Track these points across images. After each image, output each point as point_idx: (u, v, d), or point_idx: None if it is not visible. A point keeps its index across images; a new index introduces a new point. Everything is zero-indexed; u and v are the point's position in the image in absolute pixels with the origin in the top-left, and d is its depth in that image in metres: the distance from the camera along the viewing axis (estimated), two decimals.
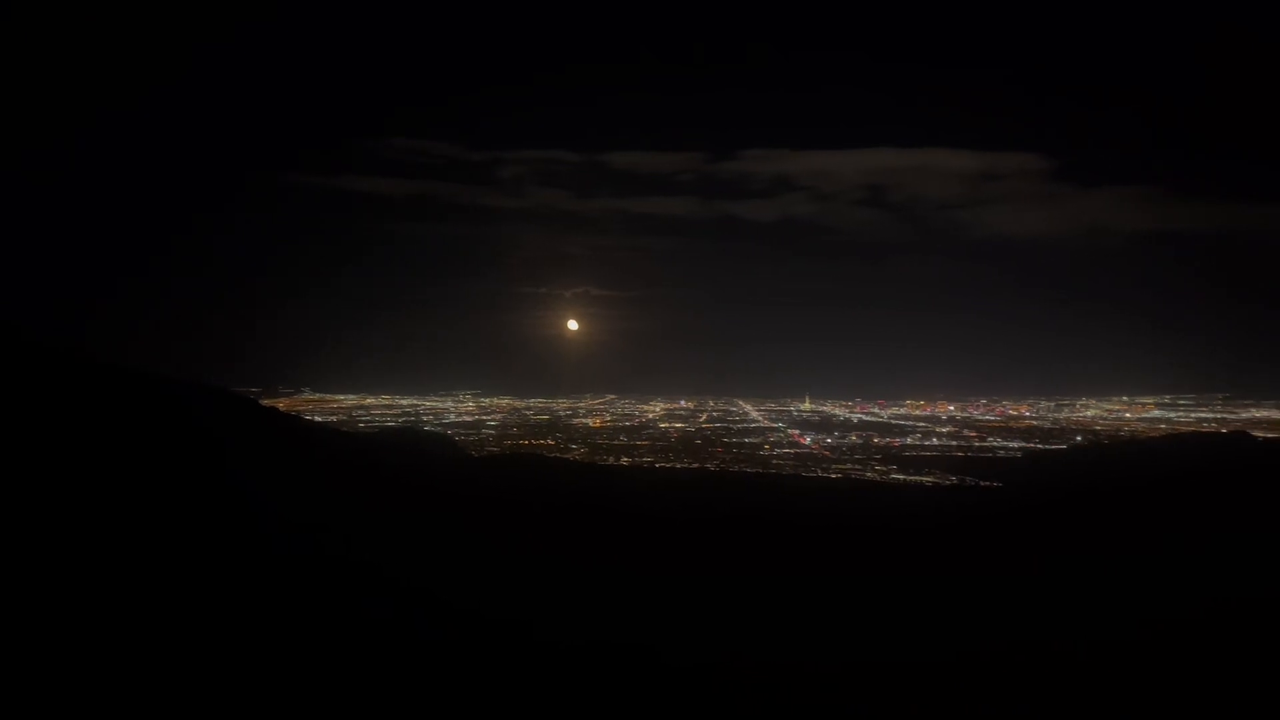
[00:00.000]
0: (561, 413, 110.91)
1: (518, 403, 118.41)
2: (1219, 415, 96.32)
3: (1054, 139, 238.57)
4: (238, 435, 34.62)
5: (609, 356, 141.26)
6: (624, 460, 74.27)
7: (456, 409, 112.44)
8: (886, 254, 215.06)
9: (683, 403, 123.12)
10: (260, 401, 54.45)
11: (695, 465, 71.87)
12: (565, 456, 74.45)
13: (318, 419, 76.24)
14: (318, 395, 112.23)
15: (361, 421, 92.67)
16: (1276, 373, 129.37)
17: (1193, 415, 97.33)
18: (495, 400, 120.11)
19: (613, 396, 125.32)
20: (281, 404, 77.98)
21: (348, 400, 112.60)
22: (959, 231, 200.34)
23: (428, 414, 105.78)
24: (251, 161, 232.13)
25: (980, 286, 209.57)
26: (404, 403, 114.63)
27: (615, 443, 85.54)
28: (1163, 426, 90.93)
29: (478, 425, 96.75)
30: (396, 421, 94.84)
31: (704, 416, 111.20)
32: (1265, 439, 70.43)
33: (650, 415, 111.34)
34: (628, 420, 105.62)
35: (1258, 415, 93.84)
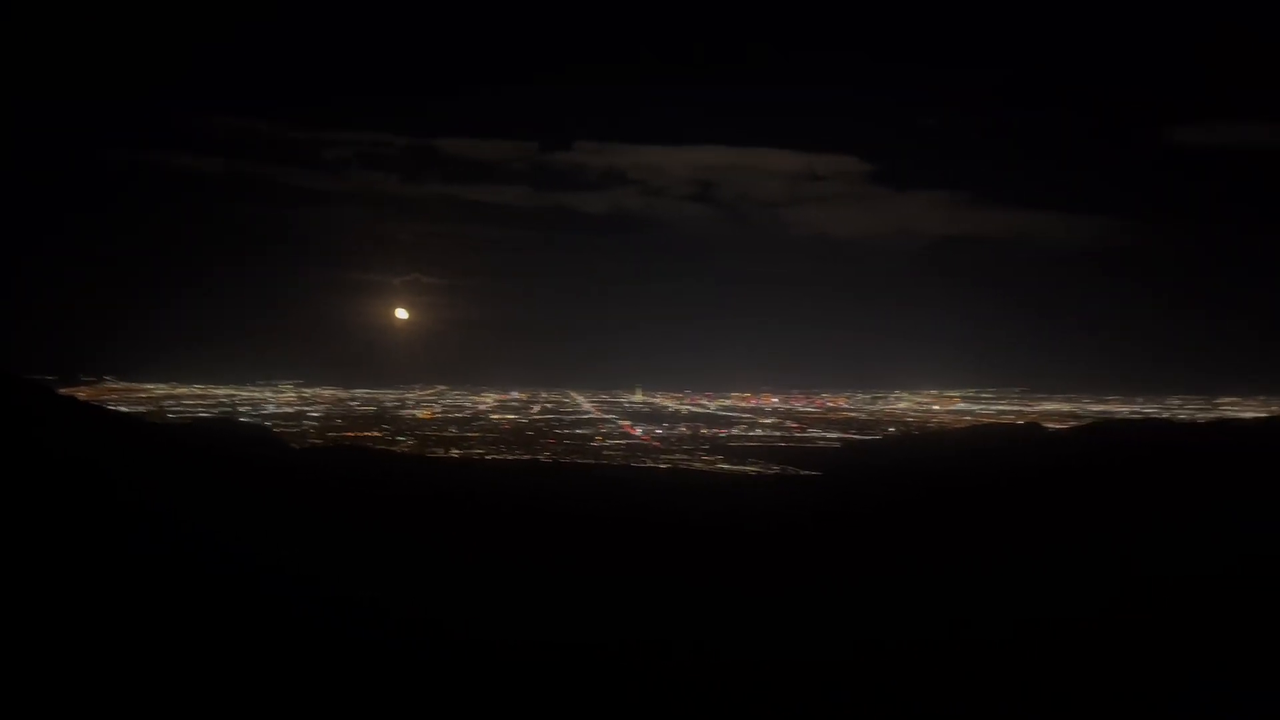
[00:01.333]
0: (389, 404, 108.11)
1: (342, 393, 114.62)
2: (1016, 407, 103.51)
3: (871, 142, 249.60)
4: (29, 426, 32.01)
5: (439, 346, 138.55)
6: (454, 452, 73.16)
7: (276, 399, 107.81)
8: (713, 249, 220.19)
9: (515, 394, 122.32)
10: (57, 391, 50.54)
11: (527, 457, 71.58)
12: (393, 449, 72.68)
13: (123, 409, 71.46)
14: (123, 384, 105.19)
15: (171, 412, 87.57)
16: (1065, 370, 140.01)
17: (993, 408, 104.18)
18: (318, 391, 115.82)
19: (443, 387, 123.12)
20: (82, 393, 72.71)
21: (157, 389, 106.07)
22: (783, 229, 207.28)
23: (244, 404, 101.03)
24: (59, 134, 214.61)
25: (802, 283, 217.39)
26: (219, 392, 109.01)
27: (445, 435, 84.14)
28: (967, 418, 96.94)
29: (299, 416, 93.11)
30: (210, 412, 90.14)
31: (536, 408, 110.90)
32: (1054, 429, 76.27)
33: (482, 407, 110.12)
34: (458, 412, 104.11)
35: (1049, 408, 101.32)
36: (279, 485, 38.51)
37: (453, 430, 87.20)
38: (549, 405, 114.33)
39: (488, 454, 72.76)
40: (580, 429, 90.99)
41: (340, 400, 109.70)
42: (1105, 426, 78.33)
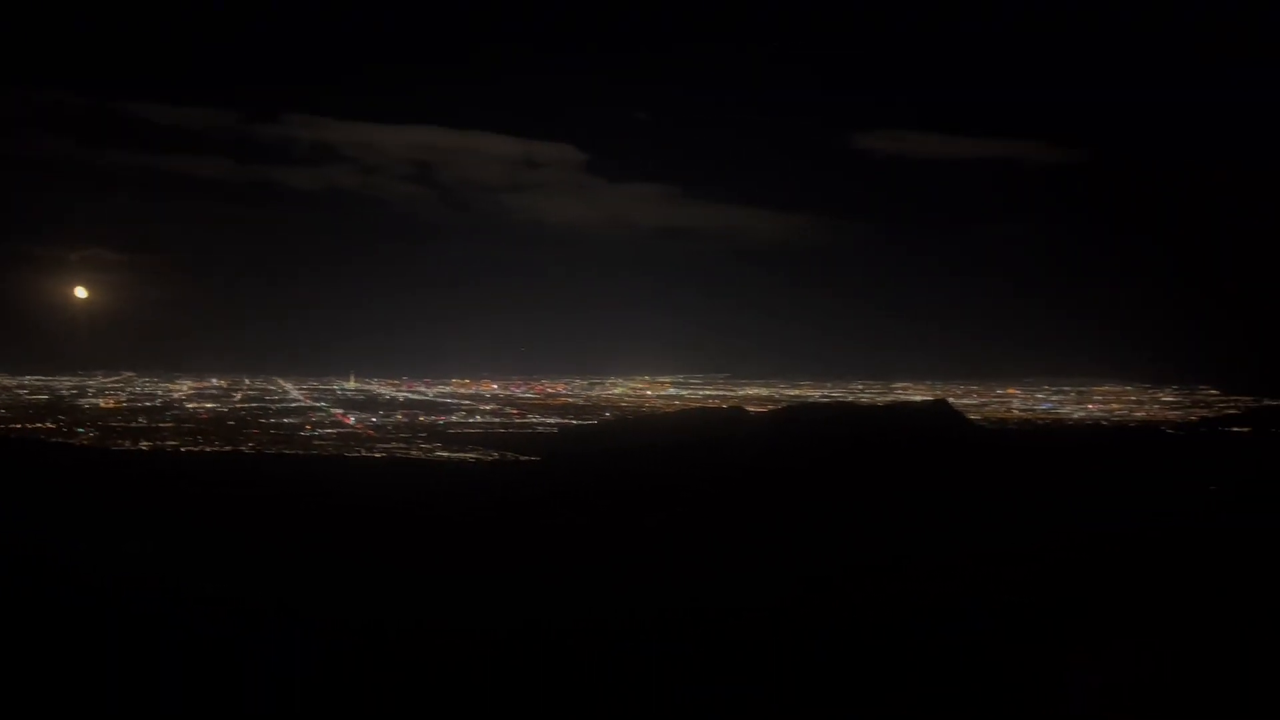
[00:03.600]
0: (65, 392, 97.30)
1: (8, 380, 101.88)
2: (721, 392, 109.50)
3: (587, 132, 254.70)
4: None
5: (126, 329, 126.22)
6: (143, 444, 67.19)
7: None
8: (433, 232, 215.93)
9: (215, 381, 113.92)
10: None
11: (228, 448, 67.03)
12: (71, 441, 65.67)
13: None
14: None
15: None
16: (764, 357, 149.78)
17: (701, 393, 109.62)
18: None
19: (130, 374, 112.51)
20: None
21: None
22: (502, 215, 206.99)
23: None
24: None
25: (521, 270, 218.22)
26: None
27: (133, 425, 76.99)
28: (676, 402, 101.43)
29: None
30: None
31: (239, 396, 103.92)
32: (755, 411, 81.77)
33: (176, 395, 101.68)
34: (148, 400, 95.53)
35: (751, 392, 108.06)
36: None
37: (142, 420, 79.96)
38: (253, 393, 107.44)
39: (182, 445, 67.42)
40: (288, 418, 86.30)
41: (6, 388, 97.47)
42: (799, 408, 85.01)
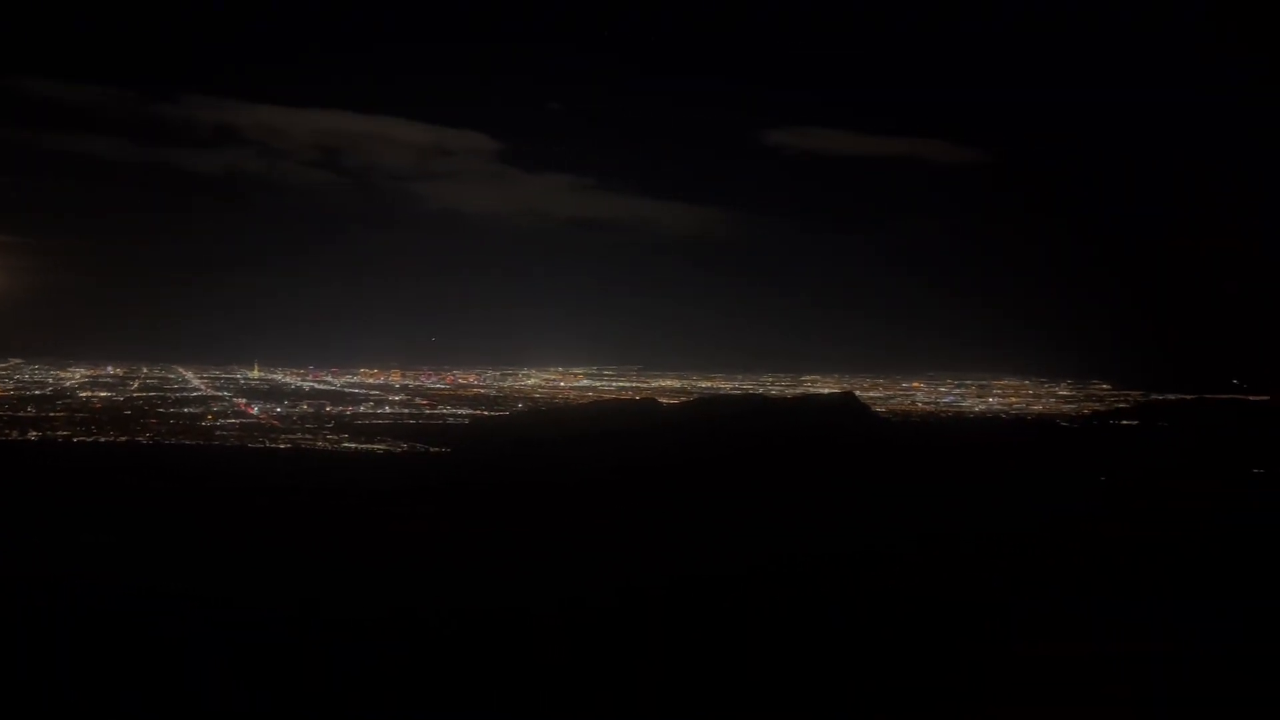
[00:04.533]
0: None
1: None
2: (634, 384, 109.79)
3: (500, 121, 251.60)
4: None
5: (13, 315, 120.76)
6: (32, 434, 64.38)
7: None
8: (340, 219, 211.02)
9: (110, 370, 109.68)
10: None
11: (124, 438, 64.65)
12: None
13: None
14: None
15: None
16: (677, 349, 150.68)
17: (614, 384, 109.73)
18: None
19: (18, 361, 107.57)
20: None
21: None
22: (412, 203, 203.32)
23: None
24: None
25: (432, 259, 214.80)
26: None
27: (20, 414, 73.66)
28: (589, 394, 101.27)
29: None
30: None
31: (136, 384, 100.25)
32: (668, 403, 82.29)
33: (68, 383, 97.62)
34: (37, 389, 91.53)
35: (663, 384, 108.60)
36: None
37: (31, 409, 76.56)
38: (151, 382, 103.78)
39: (74, 436, 64.78)
40: (189, 408, 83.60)
41: None
42: (711, 400, 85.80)
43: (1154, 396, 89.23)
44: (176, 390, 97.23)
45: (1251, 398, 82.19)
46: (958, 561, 26.66)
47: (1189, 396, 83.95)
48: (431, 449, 65.11)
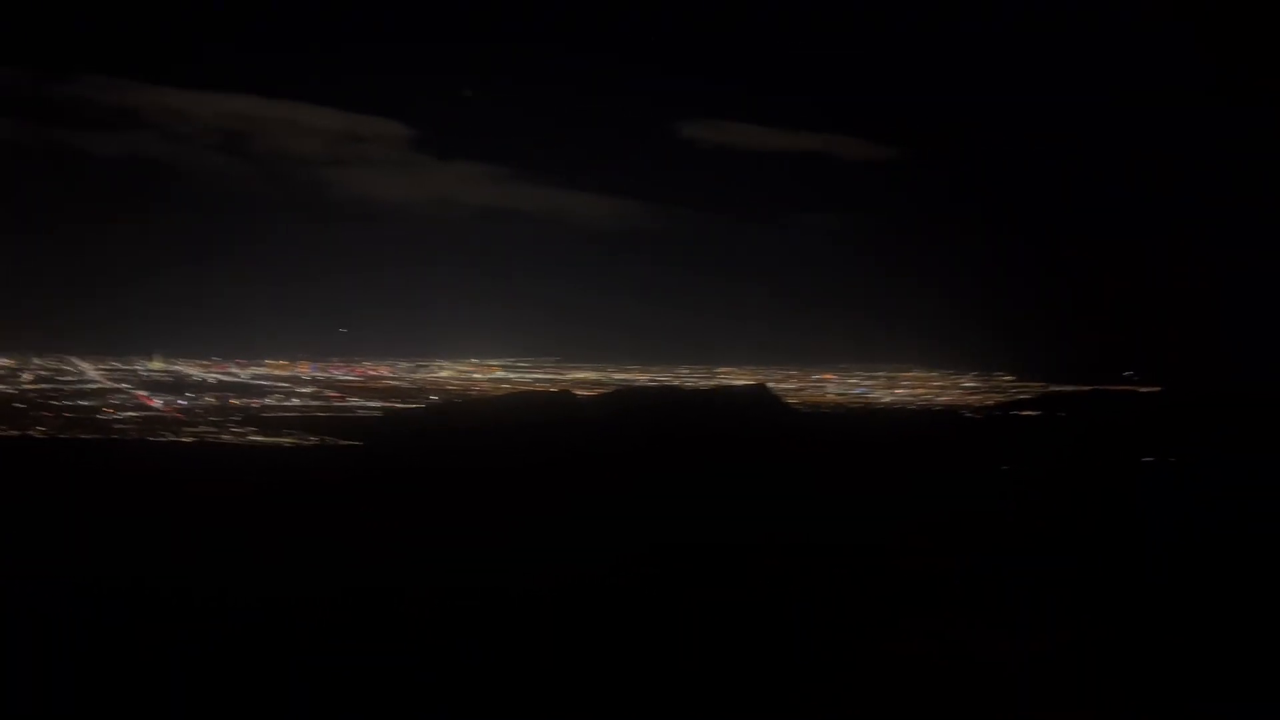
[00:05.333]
0: None
1: None
2: (551, 376, 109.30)
3: (412, 108, 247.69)
4: None
5: None
6: None
7: None
8: (246, 206, 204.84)
9: (0, 360, 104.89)
10: None
11: (15, 433, 61.97)
12: None
13: None
14: None
15: None
16: (593, 341, 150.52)
17: (529, 376, 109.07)
18: None
19: None
20: None
21: None
22: (323, 190, 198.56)
23: None
24: None
25: (342, 247, 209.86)
26: None
27: None
28: (505, 386, 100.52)
29: None
30: None
31: (28, 376, 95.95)
32: (584, 395, 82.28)
33: None
34: None
35: (579, 376, 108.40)
36: None
37: None
38: (45, 373, 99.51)
39: None
40: (85, 400, 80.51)
41: None
42: (627, 392, 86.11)
43: (1053, 388, 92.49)
44: (72, 382, 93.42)
45: (1143, 389, 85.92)
46: (850, 549, 27.37)
47: (1086, 388, 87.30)
48: (342, 442, 63.91)
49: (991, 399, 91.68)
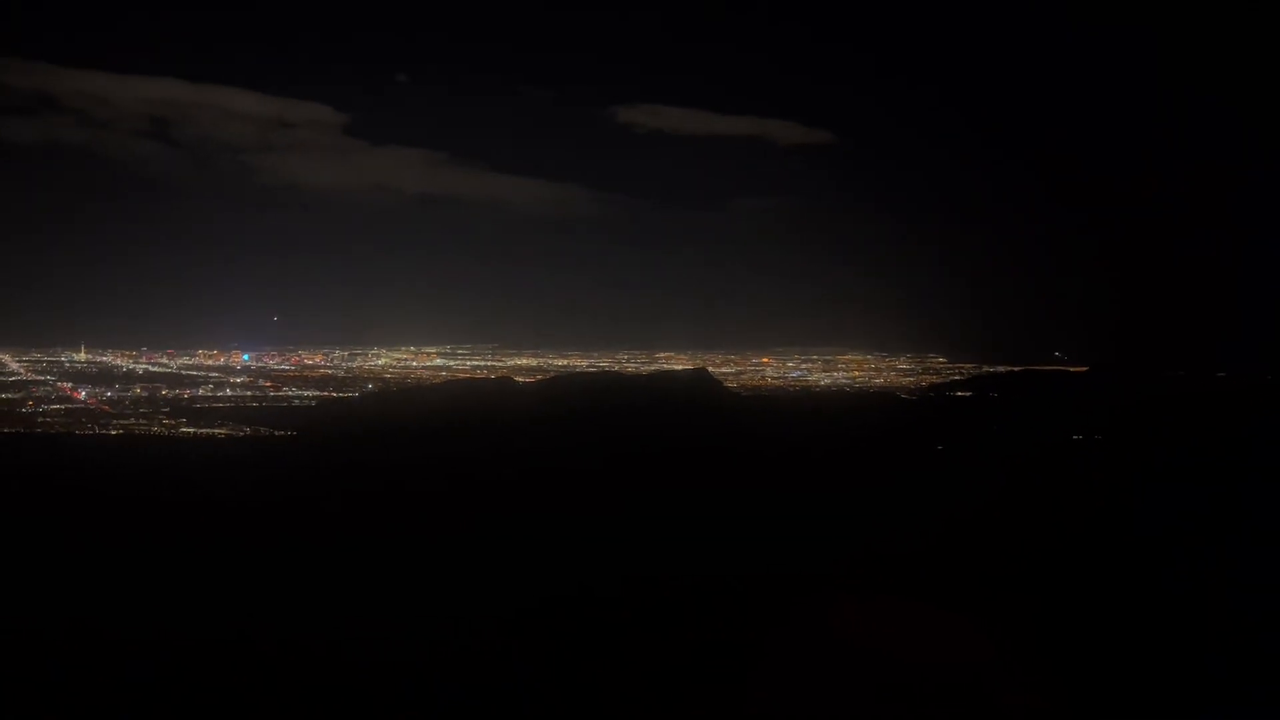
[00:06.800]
0: None
1: None
2: (490, 362, 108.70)
3: (345, 93, 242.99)
4: None
5: None
6: None
7: None
8: (173, 193, 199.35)
9: None
10: None
11: None
12: None
13: None
14: None
15: None
16: (531, 327, 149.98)
17: (469, 363, 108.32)
18: None
19: None
20: None
21: None
22: (249, 176, 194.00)
23: None
24: None
25: (275, 235, 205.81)
26: None
27: None
28: (443, 374, 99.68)
29: None
30: None
31: None
32: (524, 381, 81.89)
33: None
34: None
35: (519, 363, 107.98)
36: None
37: None
38: None
39: None
40: (7, 393, 77.90)
41: None
42: (567, 378, 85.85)
43: (985, 369, 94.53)
44: None
45: (1071, 369, 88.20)
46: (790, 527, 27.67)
47: (1017, 368, 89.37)
48: (276, 432, 62.73)
49: (926, 380, 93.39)
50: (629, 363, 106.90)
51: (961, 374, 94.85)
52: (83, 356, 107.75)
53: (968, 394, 77.71)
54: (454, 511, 32.71)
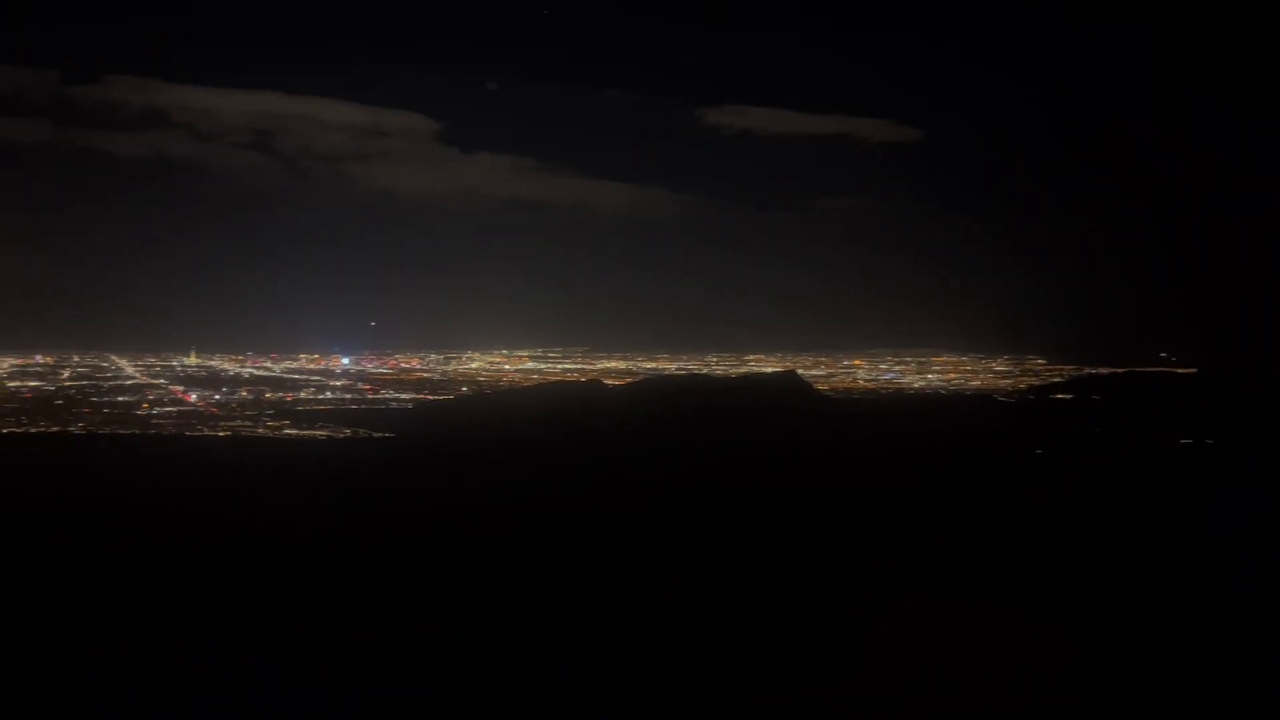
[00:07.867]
0: None
1: None
2: (580, 366, 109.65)
3: (438, 101, 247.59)
4: None
5: None
6: None
7: None
8: (274, 203, 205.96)
9: (39, 358, 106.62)
10: None
11: (55, 429, 63.10)
12: None
13: None
14: None
15: None
16: (621, 330, 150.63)
17: (559, 366, 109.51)
18: None
19: None
20: None
21: None
22: (348, 185, 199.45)
23: None
24: None
25: (370, 242, 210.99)
26: None
27: None
28: (535, 376, 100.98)
29: None
30: None
31: (67, 373, 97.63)
32: (614, 385, 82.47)
33: None
34: None
35: (609, 366, 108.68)
36: None
37: None
38: (83, 370, 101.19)
39: (3, 427, 63.06)
40: (123, 396, 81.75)
41: None
42: (656, 381, 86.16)
43: (1087, 370, 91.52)
44: (110, 378, 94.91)
45: (1179, 370, 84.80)
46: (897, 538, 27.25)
47: (1120, 370, 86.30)
48: (375, 434, 64.47)
49: (1024, 382, 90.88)
50: (717, 365, 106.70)
51: (1062, 376, 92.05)
52: (193, 361, 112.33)
53: (1068, 396, 75.39)
54: (539, 514, 33.07)
